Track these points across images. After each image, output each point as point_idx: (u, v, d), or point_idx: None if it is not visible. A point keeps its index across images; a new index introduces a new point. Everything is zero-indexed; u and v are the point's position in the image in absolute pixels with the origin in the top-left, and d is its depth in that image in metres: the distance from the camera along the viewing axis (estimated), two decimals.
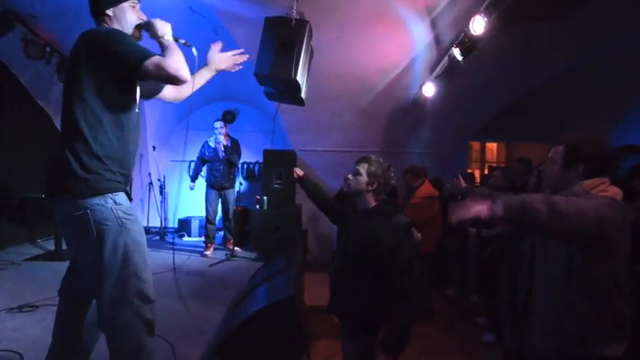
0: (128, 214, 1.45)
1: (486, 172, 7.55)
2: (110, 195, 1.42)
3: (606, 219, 1.17)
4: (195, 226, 5.88)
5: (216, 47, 1.90)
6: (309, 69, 3.21)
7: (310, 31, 3.08)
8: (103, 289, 1.40)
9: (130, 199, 1.54)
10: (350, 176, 1.75)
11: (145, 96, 1.73)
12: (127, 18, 1.55)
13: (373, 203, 1.70)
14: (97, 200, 1.39)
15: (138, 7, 1.59)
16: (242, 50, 1.94)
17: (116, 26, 1.54)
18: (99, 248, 1.39)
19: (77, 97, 1.42)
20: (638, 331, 2.07)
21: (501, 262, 2.80)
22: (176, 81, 1.42)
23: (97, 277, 1.40)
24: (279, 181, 5.34)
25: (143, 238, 1.51)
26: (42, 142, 5.50)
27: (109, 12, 1.53)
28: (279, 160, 5.40)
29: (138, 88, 1.56)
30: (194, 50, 1.60)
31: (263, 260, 4.29)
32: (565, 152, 1.36)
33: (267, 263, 3.36)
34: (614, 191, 1.31)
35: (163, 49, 1.48)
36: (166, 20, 1.58)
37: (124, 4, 1.54)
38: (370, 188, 1.68)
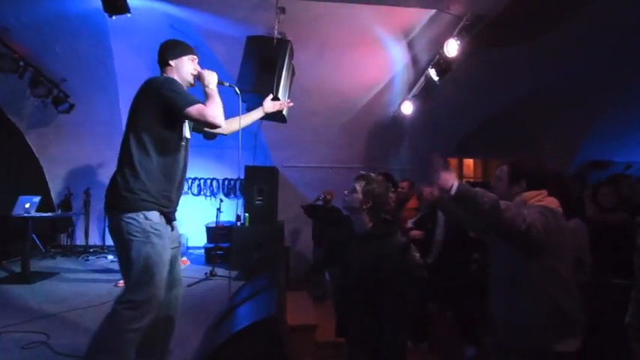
0: (155, 229, 1.71)
1: None
2: (143, 212, 1.69)
3: (535, 223, 1.37)
4: None
5: (270, 100, 2.36)
6: (290, 87, 3.26)
7: (292, 50, 3.14)
8: (124, 291, 1.70)
9: (169, 220, 1.81)
10: (346, 192, 1.67)
11: (198, 130, 2.08)
12: (185, 69, 1.88)
13: (369, 223, 1.62)
14: (131, 214, 1.68)
15: (196, 61, 1.93)
16: (289, 101, 2.48)
17: (175, 75, 1.87)
18: (128, 253, 1.67)
19: (132, 129, 1.75)
20: (612, 332, 2.16)
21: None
22: (213, 126, 1.79)
23: (123, 275, 1.72)
24: (260, 198, 5.29)
25: (166, 252, 1.74)
26: (11, 159, 5.27)
27: (172, 63, 1.87)
28: (261, 177, 5.37)
29: (186, 128, 1.89)
30: (237, 89, 2.05)
31: (244, 279, 4.19)
32: (510, 170, 1.60)
33: (248, 282, 3.29)
34: (549, 201, 1.52)
35: (207, 97, 1.80)
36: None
37: (184, 57, 1.89)
38: (364, 207, 1.60)
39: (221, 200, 5.55)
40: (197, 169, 6.48)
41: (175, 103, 1.71)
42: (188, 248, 6.23)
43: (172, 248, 1.89)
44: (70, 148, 5.80)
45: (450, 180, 1.42)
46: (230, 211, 6.24)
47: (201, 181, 6.55)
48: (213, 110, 1.74)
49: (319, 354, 2.87)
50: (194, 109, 1.70)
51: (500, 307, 1.54)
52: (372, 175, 1.68)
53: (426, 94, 4.65)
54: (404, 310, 1.52)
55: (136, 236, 1.67)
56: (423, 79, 4.38)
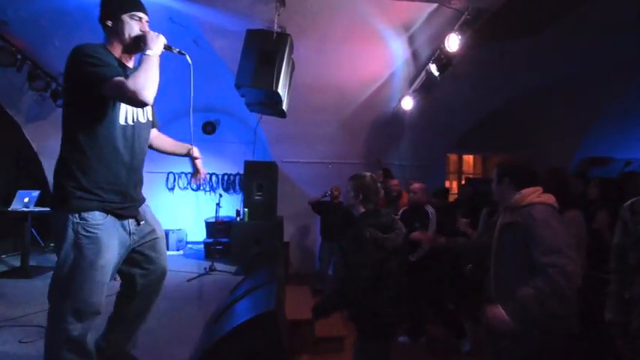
0: (88, 232, 1.49)
1: (463, 182, 7.76)
2: (80, 212, 1.48)
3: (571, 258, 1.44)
4: (172, 239, 5.72)
5: (198, 161, 2.08)
6: (290, 81, 3.24)
7: (291, 45, 3.12)
8: (49, 290, 1.54)
9: (121, 216, 1.59)
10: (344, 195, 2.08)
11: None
12: (125, 31, 1.56)
13: (362, 210, 1.93)
14: (64, 214, 1.48)
15: (144, 20, 1.60)
16: (204, 175, 2.11)
17: (114, 37, 1.57)
18: (58, 256, 1.50)
19: (63, 115, 1.54)
20: (595, 323, 2.19)
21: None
22: (134, 103, 1.45)
23: (53, 277, 1.53)
24: (260, 193, 5.29)
25: (99, 257, 1.51)
26: (10, 153, 5.26)
27: (108, 22, 1.57)
28: (260, 172, 5.36)
29: (128, 108, 1.58)
30: (188, 58, 1.66)
31: (243, 274, 4.21)
32: (496, 171, 1.72)
33: (247, 277, 3.30)
34: (545, 197, 1.61)
35: (139, 64, 1.48)
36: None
37: (124, 16, 1.55)
38: (358, 200, 1.92)
39: (220, 195, 5.55)
40: None
41: (92, 78, 1.41)
42: (187, 243, 6.25)
43: (146, 242, 1.75)
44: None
45: (501, 320, 1.45)
46: (229, 206, 6.25)
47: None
48: (135, 82, 1.39)
49: (318, 348, 2.89)
50: (112, 84, 1.39)
51: (502, 295, 1.60)
52: (361, 172, 1.99)
53: (427, 89, 4.62)
54: (354, 278, 1.79)
55: (66, 239, 1.48)
56: (423, 74, 4.35)
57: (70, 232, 1.48)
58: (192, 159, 2.03)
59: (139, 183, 1.71)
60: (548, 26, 4.05)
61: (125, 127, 1.58)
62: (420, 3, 3.48)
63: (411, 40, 4.14)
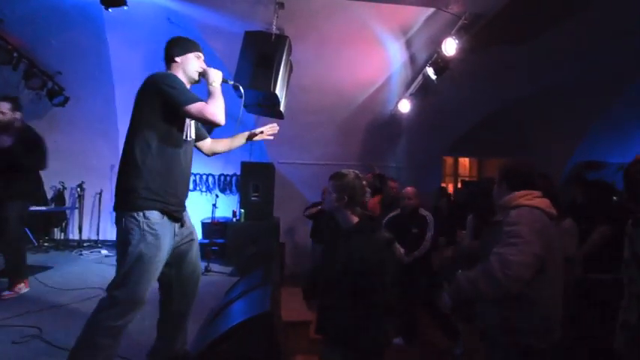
0: (152, 229, 1.70)
1: (459, 185, 7.80)
2: (144, 211, 1.70)
3: (527, 254, 1.44)
4: None
5: (264, 129, 2.31)
6: (288, 83, 3.25)
7: (290, 46, 3.13)
8: (111, 283, 1.71)
9: (175, 218, 1.81)
10: (323, 197, 1.79)
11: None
12: (190, 66, 1.89)
13: (353, 219, 1.67)
14: (131, 213, 1.70)
15: (202, 58, 1.94)
16: (274, 125, 2.35)
17: (180, 72, 1.88)
18: (123, 250, 1.70)
19: (134, 126, 1.76)
20: (582, 328, 2.20)
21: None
22: (212, 124, 1.78)
23: (117, 271, 1.72)
24: (256, 194, 5.28)
25: (160, 252, 1.73)
26: None
27: (177, 59, 1.88)
28: (257, 173, 5.36)
29: (191, 125, 1.90)
30: (241, 88, 2.06)
31: (239, 275, 4.19)
32: (497, 173, 1.74)
33: (243, 278, 3.29)
34: (538, 202, 1.59)
35: (209, 95, 1.81)
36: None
37: (190, 55, 1.90)
38: (341, 203, 1.65)
39: (217, 196, 5.54)
40: (193, 164, 6.44)
41: (174, 99, 1.71)
42: None
43: (184, 244, 1.97)
44: (64, 142, 5.73)
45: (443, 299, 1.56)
46: (226, 207, 6.23)
47: (197, 177, 6.52)
48: (214, 108, 1.74)
49: (313, 349, 2.88)
50: (194, 107, 1.71)
51: (490, 310, 1.60)
52: (343, 170, 1.73)
53: (424, 92, 4.66)
54: (391, 301, 1.58)
55: (132, 235, 1.69)
56: (420, 77, 4.39)
57: (137, 230, 1.68)
58: (259, 134, 2.29)
59: (187, 191, 1.97)
60: (544, 31, 4.10)
61: (187, 142, 1.89)
62: (418, 7, 3.51)
63: (408, 44, 4.17)
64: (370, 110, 5.34)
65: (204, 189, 6.53)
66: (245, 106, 3.38)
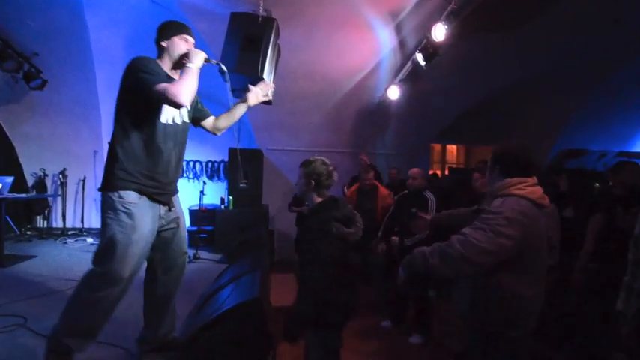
0: (126, 209, 1.75)
1: (447, 172, 7.91)
2: (119, 191, 1.76)
3: (502, 242, 1.36)
4: None
5: (256, 88, 2.24)
6: (276, 67, 3.18)
7: (277, 29, 3.05)
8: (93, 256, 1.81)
9: (156, 200, 1.85)
10: (295, 184, 1.88)
11: (192, 123, 2.11)
12: (175, 49, 1.87)
13: (317, 200, 1.79)
14: (109, 193, 1.77)
15: (190, 41, 1.91)
16: (271, 84, 2.31)
17: (167, 57, 1.88)
18: (102, 228, 1.80)
19: (116, 111, 1.82)
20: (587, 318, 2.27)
21: None
22: (173, 104, 1.72)
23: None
24: (245, 181, 5.24)
25: (136, 232, 1.77)
26: None
27: (163, 44, 1.88)
28: (245, 160, 5.30)
29: (168, 109, 1.86)
30: (223, 67, 1.98)
31: (228, 261, 4.19)
32: (490, 156, 1.61)
33: (232, 264, 3.29)
34: (530, 191, 1.47)
35: (181, 74, 1.77)
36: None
37: (175, 38, 1.88)
38: (310, 187, 1.78)
39: (204, 183, 5.47)
40: None
41: (143, 82, 1.71)
42: None
43: (169, 229, 2.00)
44: (43, 127, 5.54)
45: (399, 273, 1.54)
46: (214, 194, 6.18)
47: (184, 163, 6.43)
48: (177, 88, 1.69)
49: (302, 335, 2.93)
50: (158, 88, 1.68)
51: (464, 294, 1.54)
52: (311, 158, 1.82)
53: (413, 79, 4.64)
54: (317, 280, 1.65)
55: (108, 214, 1.77)
56: (409, 63, 4.36)
57: (112, 209, 1.75)
58: (254, 99, 2.24)
59: (174, 175, 1.98)
60: (530, 19, 4.11)
61: (165, 126, 1.88)
62: None
63: (398, 29, 4.13)
64: (359, 96, 5.30)
65: (191, 176, 6.44)
66: (232, 91, 3.31)
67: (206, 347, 1.78)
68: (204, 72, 1.87)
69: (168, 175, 1.92)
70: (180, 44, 1.88)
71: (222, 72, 1.99)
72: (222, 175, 6.49)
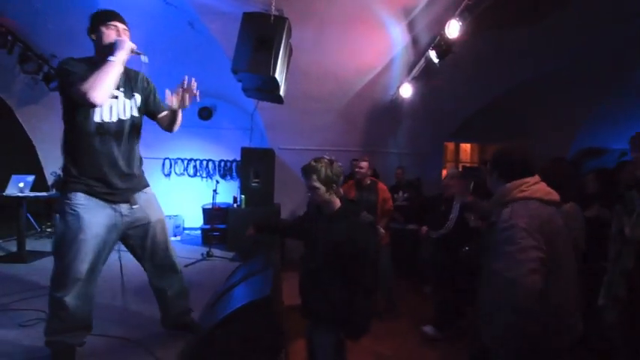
0: (72, 210, 1.76)
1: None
2: (67, 192, 1.78)
3: (532, 257, 1.29)
4: (170, 225, 5.72)
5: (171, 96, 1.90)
6: (288, 67, 3.19)
7: (289, 29, 3.06)
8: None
9: (109, 201, 1.82)
10: (308, 194, 1.75)
11: (149, 116, 2.02)
12: (104, 39, 1.76)
13: (337, 203, 1.74)
14: (60, 196, 1.82)
15: (120, 27, 1.78)
16: (186, 80, 1.88)
17: (97, 47, 1.79)
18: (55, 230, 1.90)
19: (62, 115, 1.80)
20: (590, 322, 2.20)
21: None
22: (84, 102, 1.64)
23: None
24: (257, 180, 5.28)
25: (80, 232, 1.75)
26: (2, 137, 5.18)
27: (93, 37, 1.80)
28: (257, 159, 5.34)
29: (114, 107, 1.82)
30: (143, 57, 1.81)
31: (240, 260, 4.23)
32: (489, 162, 1.59)
33: (244, 263, 3.32)
34: (533, 190, 1.42)
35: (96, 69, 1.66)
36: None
37: (101, 27, 1.76)
38: (331, 192, 1.71)
39: (217, 182, 5.54)
40: (193, 150, 6.42)
41: (62, 88, 1.72)
42: (185, 229, 6.26)
43: (138, 226, 1.96)
44: (62, 127, 5.69)
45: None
46: (226, 192, 6.24)
47: (197, 163, 6.51)
48: (88, 84, 1.58)
49: None
50: (74, 89, 1.62)
51: (484, 305, 1.49)
52: (312, 163, 1.73)
53: (426, 76, 4.58)
54: (376, 278, 1.69)
55: (59, 216, 1.82)
56: (422, 61, 4.30)
57: (61, 211, 1.78)
58: (175, 102, 1.91)
59: (126, 173, 1.88)
60: (546, 15, 4.00)
61: (102, 125, 1.79)
62: None
63: (410, 26, 4.07)
64: (371, 95, 5.26)
65: (204, 175, 6.53)
66: (244, 91, 3.34)
67: (219, 345, 1.80)
68: (217, 73, 1.87)
69: (116, 175, 1.83)
70: (109, 33, 1.75)
71: (143, 61, 1.82)
72: (234, 174, 6.55)
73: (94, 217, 1.78)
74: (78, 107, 1.73)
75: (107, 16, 1.77)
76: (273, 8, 2.95)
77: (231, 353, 1.79)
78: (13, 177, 4.22)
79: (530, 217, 1.33)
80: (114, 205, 1.84)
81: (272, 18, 2.89)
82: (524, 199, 1.39)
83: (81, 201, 1.77)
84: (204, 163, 6.52)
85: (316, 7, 3.75)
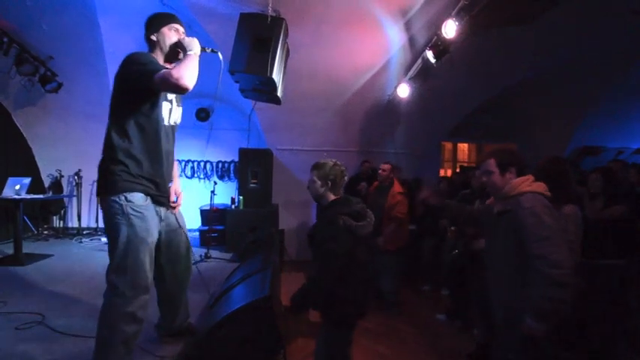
0: (137, 211, 1.70)
1: (458, 171, 7.80)
2: (124, 193, 1.69)
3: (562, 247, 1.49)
4: None
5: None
6: (285, 67, 3.19)
7: (286, 29, 3.06)
8: (108, 271, 1.71)
9: (161, 203, 1.83)
10: (308, 187, 1.87)
11: None
12: (166, 41, 1.81)
13: (330, 199, 1.84)
14: (114, 197, 1.69)
15: (180, 30, 1.86)
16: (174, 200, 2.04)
17: (158, 49, 1.82)
18: (112, 235, 1.70)
19: (112, 112, 1.75)
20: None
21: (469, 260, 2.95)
22: (177, 89, 1.64)
23: (110, 257, 1.72)
24: (255, 181, 5.27)
25: (150, 235, 1.74)
26: None
27: (153, 37, 1.82)
28: (255, 160, 5.33)
29: (172, 110, 1.86)
30: (220, 55, 1.92)
31: (239, 261, 4.22)
32: (498, 161, 1.67)
33: (243, 264, 3.32)
34: (536, 186, 1.60)
35: (181, 60, 1.70)
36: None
37: (164, 29, 1.82)
38: (326, 188, 1.82)
39: (215, 183, 5.52)
40: (190, 151, 6.40)
41: (142, 75, 1.63)
42: None
43: (172, 230, 1.98)
44: (58, 129, 5.67)
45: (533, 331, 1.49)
46: (224, 194, 6.23)
47: (195, 164, 6.49)
48: (178, 71, 1.59)
49: (313, 333, 2.93)
50: (159, 75, 1.60)
51: (499, 292, 1.65)
52: (321, 160, 1.87)
53: (423, 76, 4.59)
54: (328, 267, 1.70)
55: (118, 218, 1.68)
56: (420, 61, 4.31)
57: (122, 214, 1.68)
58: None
59: (170, 177, 1.94)
60: (541, 14, 4.01)
61: (167, 127, 1.85)
62: None
63: (407, 26, 4.08)
64: (369, 95, 5.27)
65: (202, 176, 6.51)
66: (241, 91, 3.33)
67: (218, 346, 1.79)
68: (215, 73, 1.88)
69: (165, 177, 1.87)
70: (171, 34, 1.82)
71: (220, 59, 1.93)
72: (232, 175, 6.54)
73: (153, 218, 1.77)
74: (150, 105, 1.74)
75: (168, 19, 1.86)
76: (270, 9, 2.95)
77: (230, 353, 1.79)
78: (10, 179, 4.19)
79: (545, 205, 1.53)
80: (157, 208, 1.84)
81: (269, 19, 2.89)
82: (532, 192, 1.56)
83: (141, 202, 1.72)
84: (202, 164, 6.50)
85: (313, 8, 3.75)
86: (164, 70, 1.62)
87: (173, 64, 1.80)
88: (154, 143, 1.78)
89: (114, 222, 1.69)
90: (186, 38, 1.78)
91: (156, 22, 1.84)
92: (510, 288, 1.58)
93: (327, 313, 1.77)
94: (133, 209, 1.69)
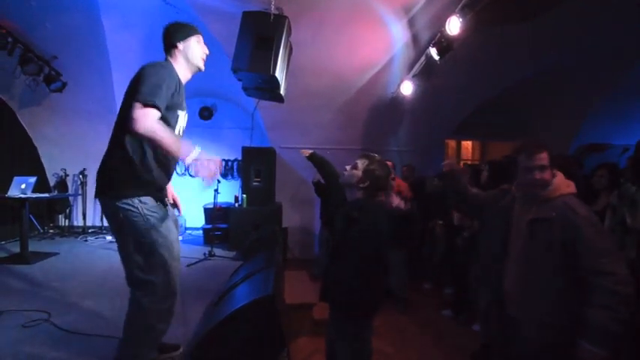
0: (152, 212, 1.70)
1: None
2: (137, 197, 1.67)
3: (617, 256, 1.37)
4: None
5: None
6: (288, 65, 3.19)
7: (289, 27, 3.05)
8: (130, 275, 1.72)
9: (163, 203, 1.82)
10: (347, 167, 1.70)
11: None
12: (194, 51, 1.79)
13: (359, 194, 1.68)
14: (125, 200, 1.66)
15: (202, 41, 1.83)
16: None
17: (181, 58, 1.78)
18: (135, 239, 1.68)
19: (125, 116, 1.64)
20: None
21: (471, 257, 2.94)
22: (134, 129, 1.53)
23: (126, 261, 1.72)
24: (258, 179, 5.28)
25: (171, 233, 1.76)
26: (4, 138, 5.19)
27: (180, 45, 1.77)
28: (258, 158, 5.34)
29: (181, 114, 1.80)
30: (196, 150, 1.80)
31: (242, 259, 4.24)
32: (550, 155, 1.47)
33: (246, 262, 3.32)
34: (573, 187, 1.47)
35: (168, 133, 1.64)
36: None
37: (192, 38, 1.79)
38: (361, 185, 1.62)
39: (218, 181, 5.54)
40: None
41: (137, 90, 1.54)
42: (186, 229, 6.27)
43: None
44: (63, 128, 5.71)
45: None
46: (228, 192, 6.25)
47: (198, 163, 6.51)
48: (154, 126, 1.53)
49: (317, 331, 2.94)
50: (145, 109, 1.52)
51: (515, 284, 1.54)
52: (377, 156, 1.68)
53: (426, 74, 4.56)
54: (403, 259, 1.67)
55: (136, 221, 1.67)
56: (423, 58, 4.28)
57: (140, 217, 1.66)
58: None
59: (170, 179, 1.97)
60: (546, 11, 3.97)
61: (178, 135, 1.84)
62: None
63: (411, 23, 4.06)
64: (372, 93, 5.25)
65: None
66: (244, 90, 3.33)
67: (221, 344, 1.80)
68: (218, 72, 1.87)
69: (168, 183, 1.92)
70: (197, 46, 1.80)
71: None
72: (235, 173, 6.56)
73: (169, 219, 1.80)
74: (171, 118, 1.73)
75: (196, 30, 1.83)
76: (273, 7, 2.95)
77: (233, 352, 1.79)
78: (16, 178, 4.23)
79: (589, 210, 1.40)
80: (164, 208, 1.86)
81: (272, 17, 2.88)
82: (571, 195, 1.43)
83: (153, 204, 1.74)
84: (205, 163, 6.52)
85: (316, 5, 3.73)
86: (153, 111, 1.54)
87: (190, 76, 1.83)
88: (165, 155, 1.75)
89: (133, 227, 1.66)
90: (189, 147, 1.69)
91: (183, 31, 1.79)
92: (557, 305, 1.39)
93: (351, 306, 1.63)
94: (150, 210, 1.70)
